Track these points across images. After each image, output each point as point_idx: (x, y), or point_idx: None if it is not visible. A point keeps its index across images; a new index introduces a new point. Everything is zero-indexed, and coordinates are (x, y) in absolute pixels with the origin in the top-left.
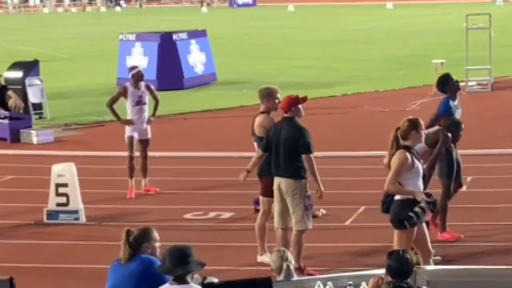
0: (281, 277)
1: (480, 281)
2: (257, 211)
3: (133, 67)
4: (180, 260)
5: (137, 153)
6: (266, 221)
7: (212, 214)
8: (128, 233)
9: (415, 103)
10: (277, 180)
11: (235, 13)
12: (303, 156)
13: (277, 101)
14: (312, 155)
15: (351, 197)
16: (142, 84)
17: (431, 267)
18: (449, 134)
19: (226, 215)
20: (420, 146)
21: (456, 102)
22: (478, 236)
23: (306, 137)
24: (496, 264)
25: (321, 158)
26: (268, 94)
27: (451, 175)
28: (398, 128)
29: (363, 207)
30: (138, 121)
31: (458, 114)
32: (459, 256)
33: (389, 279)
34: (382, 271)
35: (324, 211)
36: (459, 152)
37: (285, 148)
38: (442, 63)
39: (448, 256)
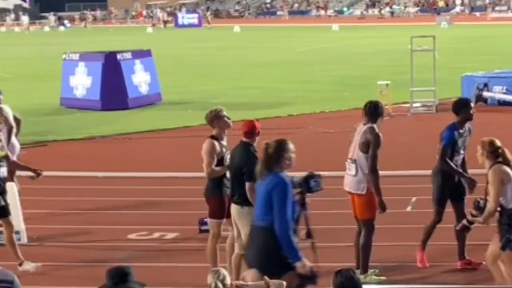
0: None
1: None
2: (201, 231)
3: None
4: (120, 279)
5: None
6: (217, 243)
7: (156, 235)
8: (267, 145)
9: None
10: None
11: (180, 33)
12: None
13: (226, 119)
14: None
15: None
16: None
17: (374, 286)
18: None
19: (171, 235)
20: None
21: (462, 131)
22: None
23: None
24: (441, 283)
25: None
26: (216, 117)
27: None
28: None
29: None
30: None
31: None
32: (404, 277)
33: None
34: None
35: None
36: (404, 172)
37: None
38: (387, 85)
39: (395, 277)
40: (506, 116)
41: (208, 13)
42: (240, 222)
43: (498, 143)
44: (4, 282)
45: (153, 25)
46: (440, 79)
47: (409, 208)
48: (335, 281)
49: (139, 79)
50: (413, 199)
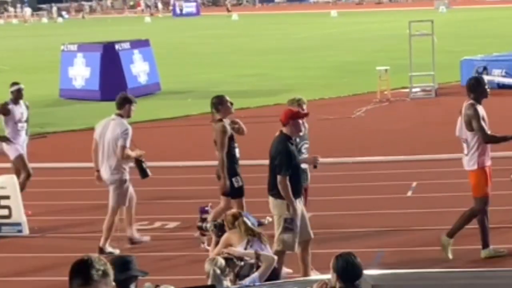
0: (209, 282)
1: (425, 284)
2: (202, 220)
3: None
4: (121, 267)
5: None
6: None
7: (157, 224)
8: None
9: (360, 110)
10: None
11: (178, 23)
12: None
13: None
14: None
15: None
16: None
17: (375, 271)
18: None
19: (172, 224)
20: None
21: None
22: (423, 241)
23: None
24: (441, 267)
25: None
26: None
27: None
28: None
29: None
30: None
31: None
32: (403, 260)
33: (333, 284)
34: (326, 276)
35: (270, 219)
36: (404, 157)
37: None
38: (386, 70)
39: (393, 260)
40: (505, 99)
41: (228, 1)
42: (274, 215)
43: None
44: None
45: (151, 14)
46: (439, 64)
47: (409, 193)
48: (335, 265)
49: (138, 69)
50: (414, 184)
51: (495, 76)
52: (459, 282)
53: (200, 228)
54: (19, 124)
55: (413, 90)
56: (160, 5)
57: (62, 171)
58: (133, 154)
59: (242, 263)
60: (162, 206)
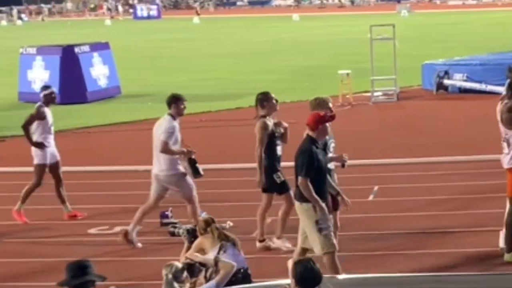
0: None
1: None
2: (163, 224)
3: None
4: (78, 271)
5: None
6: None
7: (117, 229)
8: None
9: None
10: None
11: (139, 26)
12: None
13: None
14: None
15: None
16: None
17: (336, 276)
18: None
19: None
20: None
21: None
22: (386, 245)
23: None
24: (396, 271)
25: (229, 170)
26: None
27: None
28: None
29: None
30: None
31: None
32: (366, 264)
33: None
34: (287, 281)
35: (231, 223)
36: (366, 161)
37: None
38: (348, 74)
39: (355, 265)
40: (467, 103)
41: (197, 4)
42: (303, 220)
43: None
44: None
45: (112, 17)
46: (401, 68)
47: (371, 197)
48: (294, 272)
49: (98, 72)
50: (375, 188)
51: (457, 81)
52: (421, 287)
53: (172, 233)
54: (52, 128)
55: (375, 94)
56: (120, 8)
57: (20, 175)
58: (176, 150)
59: (204, 269)
60: (121, 210)
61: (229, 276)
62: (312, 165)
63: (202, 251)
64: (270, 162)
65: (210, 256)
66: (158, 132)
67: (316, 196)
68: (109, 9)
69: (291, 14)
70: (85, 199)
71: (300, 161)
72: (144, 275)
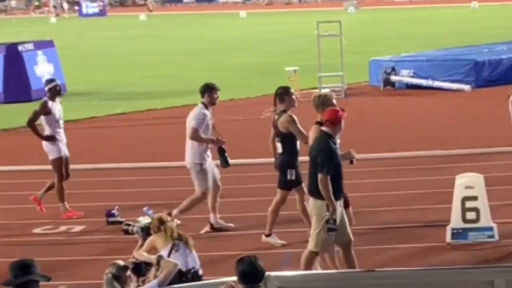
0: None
1: (332, 285)
2: (109, 223)
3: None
4: (21, 271)
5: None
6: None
7: (62, 228)
8: None
9: (269, 111)
10: None
11: (84, 23)
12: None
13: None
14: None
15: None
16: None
17: (281, 272)
18: None
19: (77, 228)
20: None
21: None
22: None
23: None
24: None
25: (174, 168)
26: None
27: None
28: None
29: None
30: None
31: None
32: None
33: (240, 286)
34: (232, 278)
35: (179, 222)
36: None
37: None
38: (295, 71)
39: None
40: (414, 99)
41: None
42: (313, 215)
43: None
44: None
45: (57, 15)
46: (348, 64)
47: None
48: (236, 268)
49: (42, 70)
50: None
51: (403, 77)
52: (364, 283)
53: (126, 231)
54: (60, 122)
55: (322, 90)
56: (65, 5)
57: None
58: (206, 138)
59: (156, 268)
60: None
61: (171, 275)
62: (332, 162)
63: (154, 249)
64: (290, 157)
65: (171, 254)
66: (189, 121)
67: (332, 197)
68: (54, 7)
69: (238, 11)
70: (27, 199)
71: (321, 158)
72: (90, 273)
